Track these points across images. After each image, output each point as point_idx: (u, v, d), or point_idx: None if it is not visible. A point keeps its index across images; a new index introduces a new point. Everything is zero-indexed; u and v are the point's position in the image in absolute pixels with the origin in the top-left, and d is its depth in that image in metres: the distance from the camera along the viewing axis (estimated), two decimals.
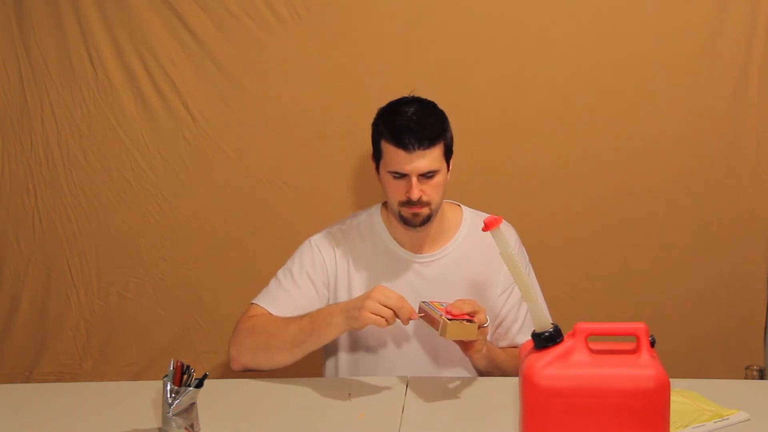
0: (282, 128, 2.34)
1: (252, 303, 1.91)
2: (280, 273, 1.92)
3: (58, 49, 2.30)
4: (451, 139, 1.85)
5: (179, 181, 2.36)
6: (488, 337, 1.92)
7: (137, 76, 2.30)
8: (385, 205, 1.94)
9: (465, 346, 1.75)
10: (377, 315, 1.63)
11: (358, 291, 1.89)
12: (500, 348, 1.91)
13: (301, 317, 1.78)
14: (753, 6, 2.23)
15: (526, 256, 1.99)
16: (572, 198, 2.35)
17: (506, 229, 1.95)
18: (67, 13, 2.28)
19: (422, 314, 1.72)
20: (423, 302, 1.73)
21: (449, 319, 1.62)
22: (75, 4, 2.27)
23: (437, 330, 1.64)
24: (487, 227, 1.43)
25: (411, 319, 1.66)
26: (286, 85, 2.31)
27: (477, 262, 1.90)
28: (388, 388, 1.76)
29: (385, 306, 1.63)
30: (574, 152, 2.33)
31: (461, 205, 1.98)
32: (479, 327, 1.67)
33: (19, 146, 2.35)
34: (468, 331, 1.65)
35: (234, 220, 2.37)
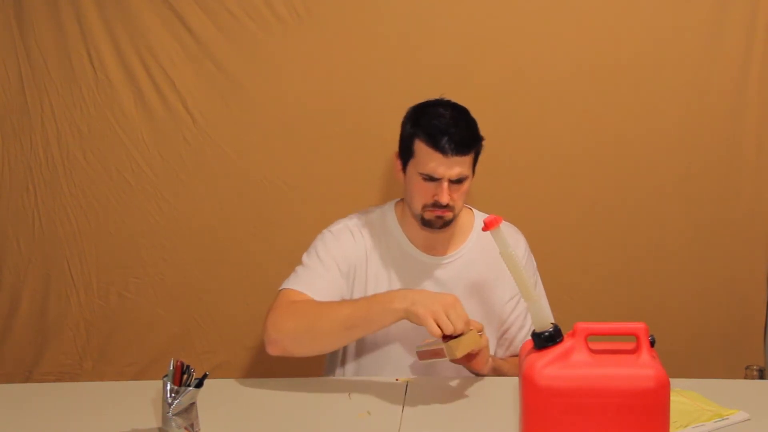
0: (282, 128, 2.34)
1: (282, 289, 1.83)
2: (305, 258, 1.87)
3: (58, 49, 2.30)
4: (480, 150, 1.85)
5: (179, 181, 2.36)
6: (493, 345, 1.93)
7: (137, 76, 2.30)
8: (399, 204, 1.94)
9: (471, 362, 1.75)
10: (438, 325, 1.57)
11: (373, 286, 1.88)
12: (503, 359, 1.91)
13: (356, 300, 1.74)
14: (753, 6, 2.24)
15: (534, 263, 1.99)
16: (572, 198, 2.35)
17: (515, 235, 1.97)
18: (67, 13, 2.28)
19: (426, 357, 1.69)
20: (417, 347, 1.72)
21: (451, 338, 1.62)
22: (75, 4, 2.27)
23: (446, 356, 1.62)
24: (486, 227, 1.43)
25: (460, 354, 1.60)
26: (286, 85, 2.31)
27: (487, 265, 1.89)
28: (388, 388, 1.76)
29: (451, 321, 1.58)
30: (574, 153, 2.33)
31: (472, 209, 1.98)
32: (479, 332, 1.67)
33: (18, 146, 2.35)
34: (472, 341, 1.63)
35: (234, 220, 2.37)
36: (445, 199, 1.77)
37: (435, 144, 1.75)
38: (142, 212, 2.37)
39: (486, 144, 2.31)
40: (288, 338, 1.73)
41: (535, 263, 1.99)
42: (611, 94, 2.30)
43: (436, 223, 1.82)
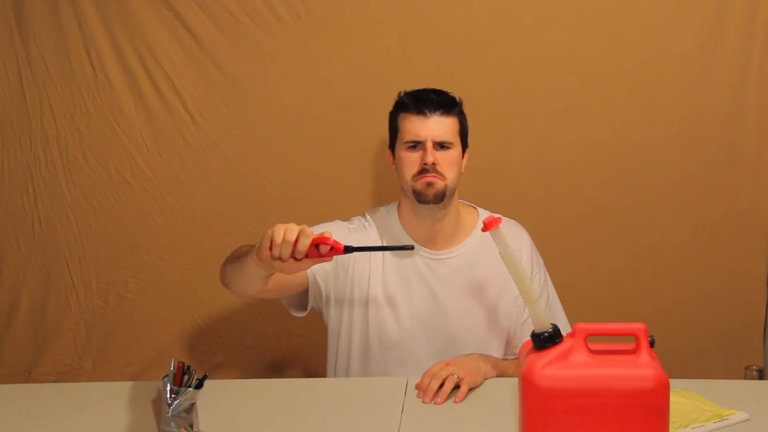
0: (281, 128, 2.34)
1: None
2: None
3: (57, 49, 2.30)
4: (467, 128, 1.90)
5: (178, 181, 2.36)
6: (500, 347, 1.94)
7: (136, 77, 2.30)
8: (401, 202, 1.94)
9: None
10: (272, 252, 1.52)
11: (375, 281, 1.90)
12: (508, 361, 1.91)
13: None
14: (753, 6, 2.23)
15: (541, 260, 1.99)
16: (572, 198, 2.35)
17: (519, 233, 1.97)
18: (66, 13, 2.28)
19: None
20: None
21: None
22: (75, 5, 2.27)
23: None
24: (486, 227, 1.43)
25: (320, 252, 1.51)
26: (286, 85, 2.32)
27: (490, 264, 1.89)
28: (388, 388, 1.76)
29: (281, 241, 1.50)
30: (574, 153, 2.33)
31: (477, 208, 1.98)
32: (458, 379, 1.70)
33: (18, 147, 2.35)
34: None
35: (233, 220, 2.37)
36: (429, 158, 1.80)
37: (414, 107, 1.83)
38: (141, 212, 2.37)
39: (486, 145, 2.31)
40: (223, 276, 1.79)
41: (542, 260, 1.99)
42: (611, 94, 2.30)
43: (427, 192, 1.82)
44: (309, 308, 1.94)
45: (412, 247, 1.60)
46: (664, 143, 2.32)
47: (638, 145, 2.32)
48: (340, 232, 1.89)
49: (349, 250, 1.51)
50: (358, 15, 2.28)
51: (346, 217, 2.00)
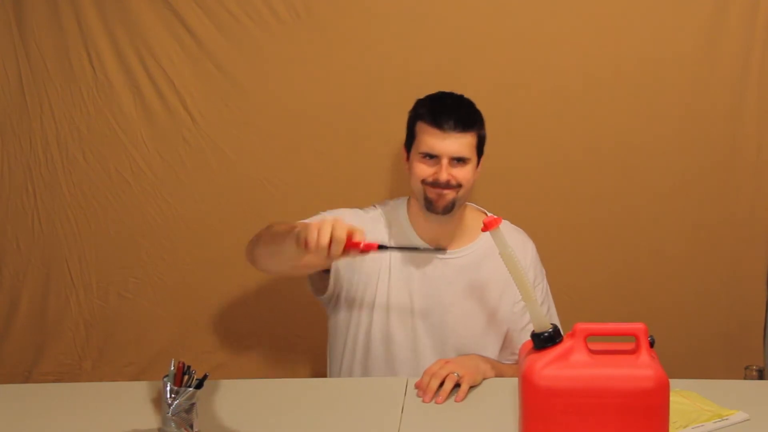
0: (281, 128, 2.34)
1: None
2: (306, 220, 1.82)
3: (57, 49, 2.30)
4: (485, 138, 1.89)
5: (178, 181, 2.36)
6: (497, 350, 1.94)
7: (136, 77, 2.30)
8: (412, 198, 1.94)
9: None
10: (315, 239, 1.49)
11: (383, 278, 1.90)
12: (508, 365, 1.91)
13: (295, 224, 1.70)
14: (753, 6, 2.23)
15: (543, 272, 2.00)
16: (572, 199, 2.35)
17: (524, 242, 1.98)
18: (66, 13, 2.27)
19: None
20: None
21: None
22: (75, 5, 2.27)
23: None
24: (486, 227, 1.43)
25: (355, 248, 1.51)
26: (286, 85, 2.31)
27: (495, 268, 1.88)
28: (387, 388, 1.76)
29: (314, 247, 1.49)
30: (574, 153, 2.33)
31: (486, 212, 1.99)
32: (458, 378, 1.71)
33: (18, 146, 2.35)
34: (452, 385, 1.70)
35: (233, 220, 2.37)
36: (443, 176, 1.80)
37: (433, 120, 1.81)
38: (141, 212, 2.37)
39: (485, 145, 2.31)
40: (254, 254, 1.80)
41: (544, 272, 2.00)
42: (611, 94, 2.30)
43: (438, 202, 1.82)
44: (327, 292, 1.93)
45: (444, 250, 1.68)
46: (664, 143, 2.32)
47: (638, 145, 2.32)
48: (356, 219, 1.88)
49: (382, 248, 1.55)
50: (358, 15, 2.28)
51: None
